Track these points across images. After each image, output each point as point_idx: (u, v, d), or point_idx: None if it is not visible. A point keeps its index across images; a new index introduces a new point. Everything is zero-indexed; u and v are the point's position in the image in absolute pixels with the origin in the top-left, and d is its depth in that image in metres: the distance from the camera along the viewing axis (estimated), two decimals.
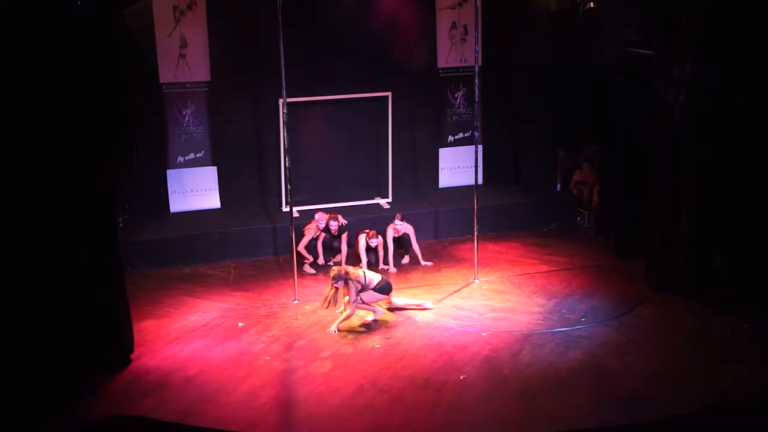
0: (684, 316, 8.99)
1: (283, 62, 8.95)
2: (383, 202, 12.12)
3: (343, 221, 10.71)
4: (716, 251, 9.25)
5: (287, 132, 9.45)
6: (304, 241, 10.56)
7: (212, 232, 11.17)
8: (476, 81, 9.77)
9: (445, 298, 9.65)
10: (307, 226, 10.68)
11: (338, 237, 10.70)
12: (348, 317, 8.82)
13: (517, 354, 8.17)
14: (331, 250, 10.75)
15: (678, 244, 9.39)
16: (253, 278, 10.45)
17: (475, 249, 10.19)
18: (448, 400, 7.35)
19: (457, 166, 12.84)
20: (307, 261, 10.67)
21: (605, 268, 10.54)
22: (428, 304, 9.40)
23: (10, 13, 6.81)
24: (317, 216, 10.66)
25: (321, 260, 10.73)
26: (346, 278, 8.77)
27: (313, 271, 10.60)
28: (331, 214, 10.71)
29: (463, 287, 10.01)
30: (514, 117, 12.81)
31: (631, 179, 10.61)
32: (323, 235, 10.65)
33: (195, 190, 11.82)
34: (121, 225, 9.76)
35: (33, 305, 7.24)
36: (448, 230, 11.85)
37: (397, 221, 10.58)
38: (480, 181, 10.54)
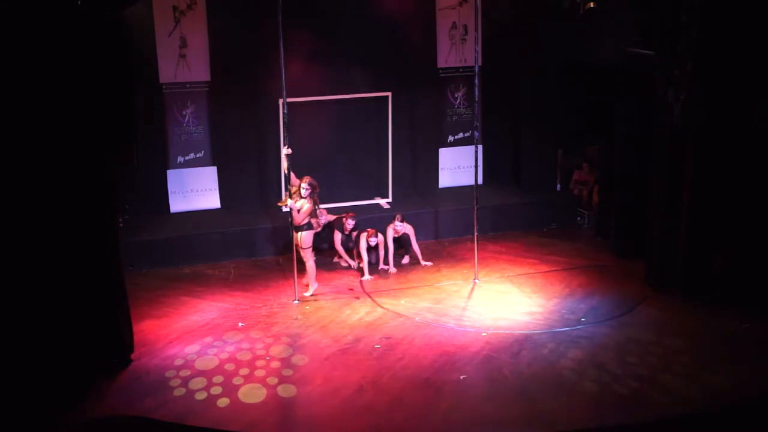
0: (684, 316, 8.99)
1: (283, 62, 8.95)
2: (383, 202, 12.12)
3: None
4: (716, 251, 9.25)
5: (287, 132, 9.45)
6: None
7: (212, 232, 11.17)
8: (476, 81, 9.77)
9: (445, 299, 9.69)
10: None
11: (352, 237, 10.75)
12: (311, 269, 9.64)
13: (517, 354, 8.17)
14: (347, 250, 10.79)
15: (678, 244, 9.39)
16: (253, 278, 10.45)
17: (475, 249, 10.19)
18: (448, 400, 7.35)
19: (457, 166, 12.84)
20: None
21: (605, 268, 10.54)
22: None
23: (10, 12, 6.81)
24: (317, 211, 10.68)
25: (345, 261, 10.79)
26: (311, 190, 9.31)
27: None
28: (348, 213, 10.74)
29: (463, 287, 10.02)
30: (514, 117, 12.81)
31: (631, 180, 10.61)
32: (340, 235, 10.68)
33: (195, 190, 11.82)
34: (121, 225, 9.76)
35: (33, 305, 7.23)
36: (448, 230, 11.86)
37: (397, 222, 10.59)
38: (480, 181, 10.54)
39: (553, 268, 10.53)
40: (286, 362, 8.10)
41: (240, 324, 9.00)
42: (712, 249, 9.26)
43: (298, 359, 8.16)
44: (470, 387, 7.58)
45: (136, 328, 8.38)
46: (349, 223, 10.62)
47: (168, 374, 7.85)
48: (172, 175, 11.70)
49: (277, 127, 11.15)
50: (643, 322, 8.88)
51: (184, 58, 11.31)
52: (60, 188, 7.30)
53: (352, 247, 10.76)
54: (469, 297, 9.74)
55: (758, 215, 9.00)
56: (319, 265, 10.68)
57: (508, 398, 7.38)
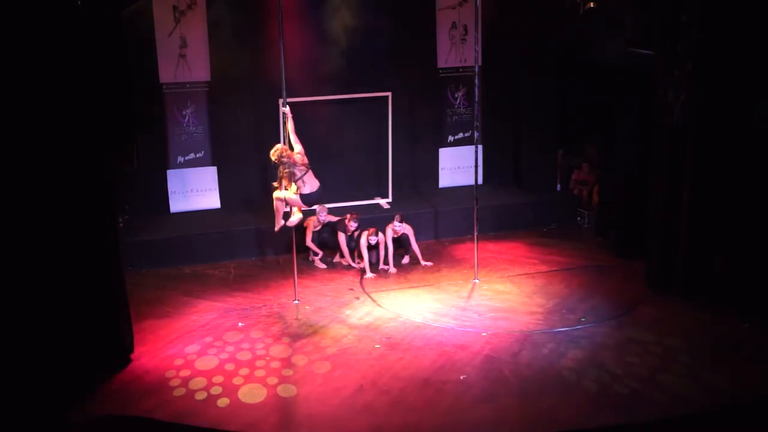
0: (684, 316, 8.99)
1: (283, 62, 8.95)
2: (383, 202, 12.12)
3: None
4: (716, 251, 9.25)
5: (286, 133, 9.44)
6: (309, 235, 10.60)
7: (212, 232, 11.18)
8: (476, 81, 9.77)
9: (445, 299, 9.68)
10: (307, 221, 10.71)
11: (354, 237, 10.76)
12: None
13: (517, 354, 8.17)
14: (349, 250, 10.80)
15: (678, 244, 9.38)
16: (253, 278, 10.45)
17: (475, 249, 10.19)
18: (448, 400, 7.35)
19: (457, 166, 12.84)
20: (317, 256, 10.70)
21: (605, 268, 10.54)
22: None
23: (10, 12, 6.81)
24: (317, 208, 10.70)
25: (347, 261, 10.80)
26: (283, 161, 8.90)
27: (324, 266, 10.64)
28: (351, 214, 10.74)
29: (463, 287, 10.02)
30: (514, 117, 12.81)
31: (631, 179, 10.61)
32: (344, 236, 10.70)
33: (195, 190, 11.82)
34: (121, 225, 9.76)
35: (33, 305, 7.22)
36: (448, 230, 11.85)
37: (396, 222, 10.60)
38: (480, 181, 10.54)
39: (553, 268, 10.53)
40: (286, 362, 8.10)
41: (240, 324, 9.00)
42: (712, 249, 9.26)
43: (298, 359, 8.16)
44: (470, 387, 7.58)
45: (136, 328, 8.38)
46: (352, 225, 10.63)
47: (168, 374, 7.85)
48: (172, 175, 11.70)
49: (277, 127, 11.15)
50: (643, 322, 8.88)
51: (184, 58, 11.31)
52: (60, 188, 7.30)
53: (354, 247, 10.76)
54: (469, 297, 9.74)
55: (758, 215, 8.99)
56: None
57: (508, 398, 7.37)
